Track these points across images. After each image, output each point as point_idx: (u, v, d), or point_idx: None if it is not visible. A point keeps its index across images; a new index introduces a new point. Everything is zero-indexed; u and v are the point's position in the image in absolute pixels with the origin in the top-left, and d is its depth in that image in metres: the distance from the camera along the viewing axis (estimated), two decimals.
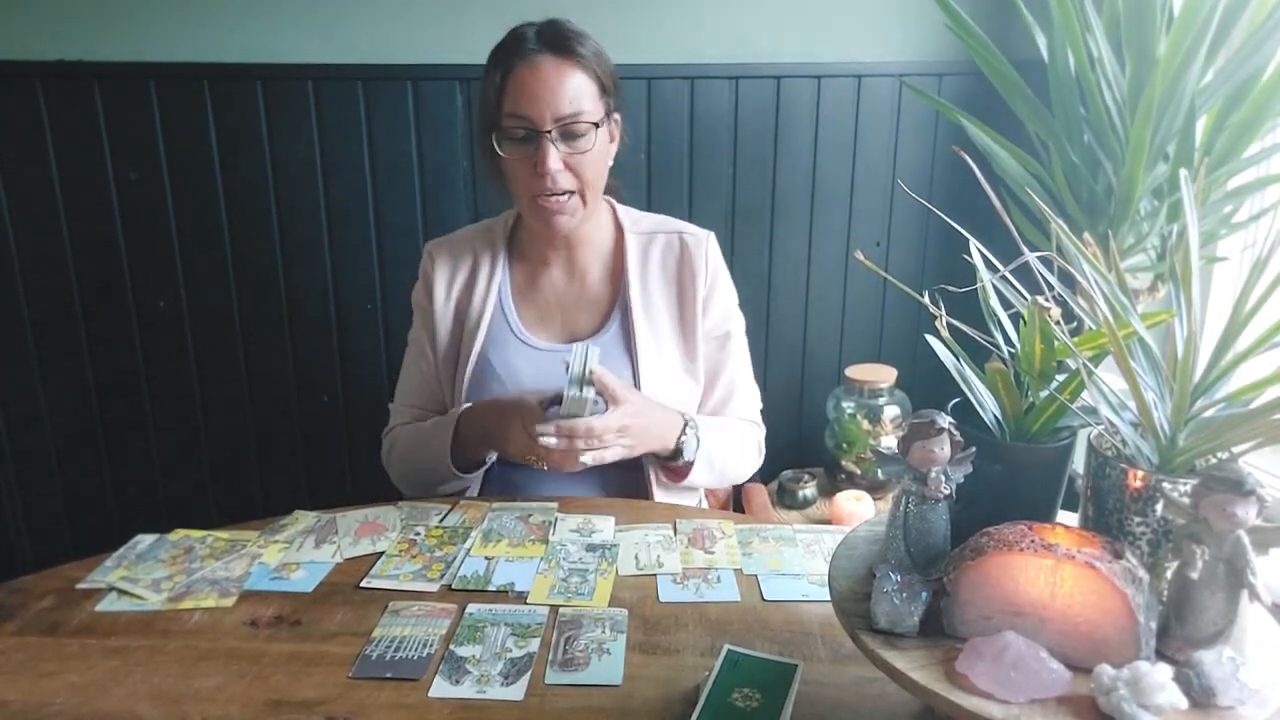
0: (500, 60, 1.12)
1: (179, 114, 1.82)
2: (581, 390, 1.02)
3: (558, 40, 1.11)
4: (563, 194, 1.12)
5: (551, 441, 1.01)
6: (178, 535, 1.01)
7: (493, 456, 1.22)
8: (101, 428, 1.99)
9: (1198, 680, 0.52)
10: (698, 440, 1.16)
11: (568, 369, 1.03)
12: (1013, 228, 0.71)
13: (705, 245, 1.27)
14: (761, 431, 1.34)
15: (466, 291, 1.26)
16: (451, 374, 1.26)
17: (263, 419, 2.01)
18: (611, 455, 1.05)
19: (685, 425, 1.15)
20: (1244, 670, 0.53)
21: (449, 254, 1.28)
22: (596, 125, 1.12)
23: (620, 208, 1.30)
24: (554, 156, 1.09)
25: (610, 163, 1.19)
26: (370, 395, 2.00)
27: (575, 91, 1.10)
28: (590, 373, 1.03)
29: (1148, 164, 1.15)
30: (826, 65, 1.86)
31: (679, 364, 1.25)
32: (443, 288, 1.26)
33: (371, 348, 1.97)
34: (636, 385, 1.20)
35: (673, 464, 1.18)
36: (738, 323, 1.31)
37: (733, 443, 1.26)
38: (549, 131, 1.09)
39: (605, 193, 1.26)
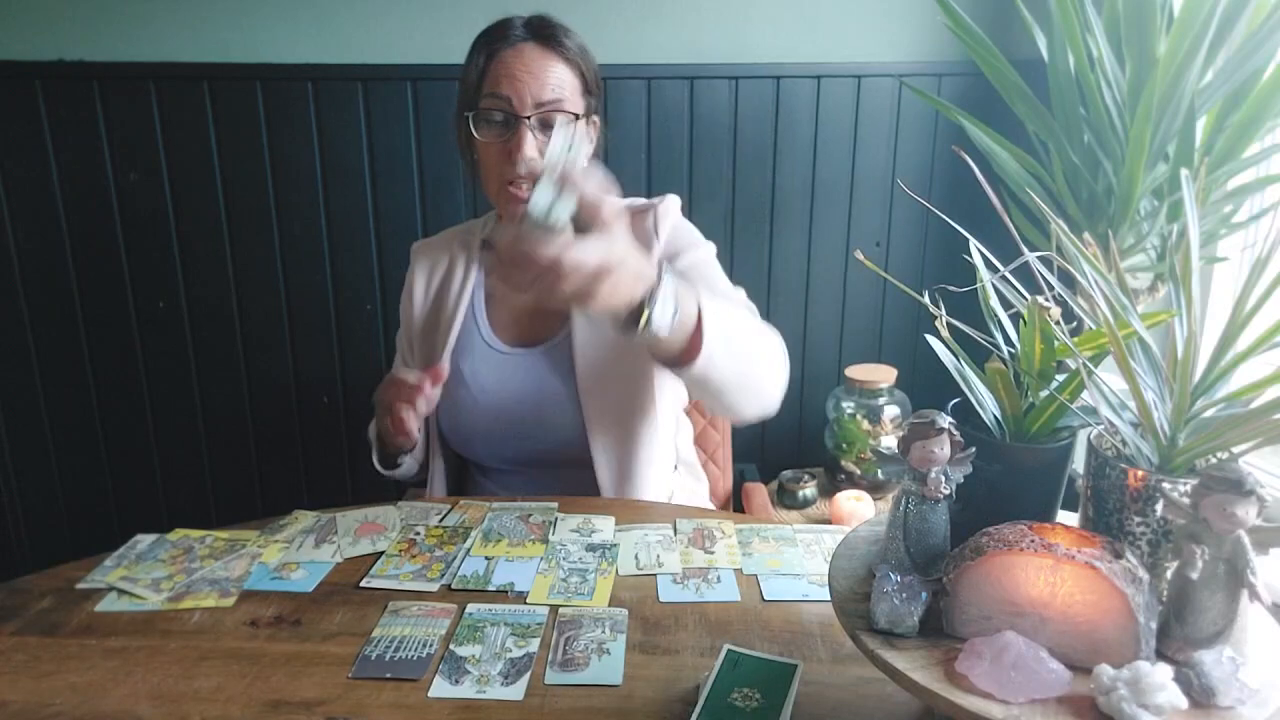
0: (484, 44, 1.12)
1: (179, 114, 1.82)
2: (550, 198, 0.69)
3: (544, 31, 1.12)
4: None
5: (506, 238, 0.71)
6: (177, 535, 1.01)
7: (405, 459, 1.23)
8: (101, 428, 2.00)
9: (1198, 680, 0.52)
10: (674, 295, 0.81)
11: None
12: (1013, 228, 0.71)
13: (656, 210, 1.17)
14: (779, 337, 1.04)
15: (441, 295, 1.26)
16: None
17: (263, 419, 2.01)
18: (561, 294, 0.72)
19: (661, 280, 0.80)
20: (1244, 670, 0.53)
21: (428, 256, 1.29)
22: (576, 117, 1.11)
23: None
24: (530, 143, 1.08)
25: (583, 164, 1.16)
26: (369, 395, 1.99)
27: (557, 80, 1.10)
28: (567, 172, 0.70)
29: (1148, 164, 1.15)
30: (826, 65, 1.87)
31: (631, 365, 1.15)
32: (420, 290, 1.27)
33: (371, 348, 1.97)
34: (575, 397, 1.14)
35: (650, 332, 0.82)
36: (705, 251, 1.18)
37: (740, 320, 0.95)
38: (527, 118, 1.08)
39: None
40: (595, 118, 1.18)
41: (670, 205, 1.20)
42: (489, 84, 1.10)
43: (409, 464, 1.26)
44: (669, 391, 1.21)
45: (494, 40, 1.11)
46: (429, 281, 1.28)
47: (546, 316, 1.23)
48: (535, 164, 1.08)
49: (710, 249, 1.20)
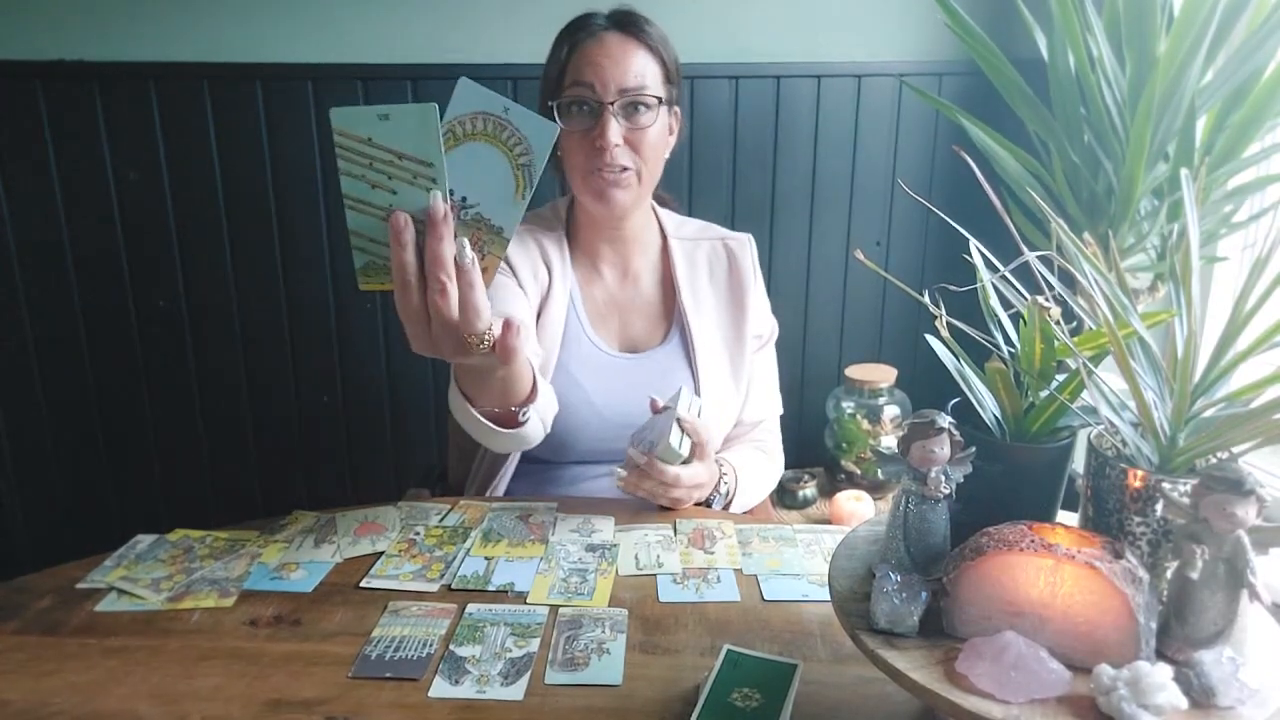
0: (567, 36, 1.14)
1: (179, 114, 1.82)
2: (681, 440, 1.00)
3: (626, 21, 1.14)
4: (620, 169, 1.12)
5: (638, 458, 1.01)
6: (177, 535, 1.01)
7: (530, 411, 0.97)
8: (101, 428, 1.99)
9: (1198, 680, 0.52)
10: (735, 485, 1.16)
11: (667, 410, 1.02)
12: (1013, 228, 0.71)
13: (749, 250, 1.28)
14: (778, 439, 1.35)
15: (547, 285, 1.20)
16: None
17: (263, 419, 2.01)
18: (662, 501, 1.05)
19: (721, 478, 1.14)
20: (1244, 670, 0.53)
21: (515, 236, 1.21)
22: (660, 101, 1.12)
23: (662, 212, 1.30)
24: (615, 129, 1.09)
25: (667, 155, 1.20)
26: (370, 395, 2.00)
27: (640, 67, 1.11)
28: (687, 422, 1.01)
29: (1148, 164, 1.15)
30: (826, 65, 1.86)
31: (729, 375, 1.25)
32: (527, 270, 1.18)
33: (371, 348, 1.97)
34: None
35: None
36: (774, 326, 1.33)
37: (763, 479, 1.27)
38: (611, 104, 1.09)
39: (656, 201, 1.29)
40: (677, 108, 1.20)
41: (754, 249, 1.31)
42: (572, 73, 1.11)
43: (534, 420, 1.00)
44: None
45: (576, 32, 1.13)
46: (534, 266, 1.19)
47: (636, 316, 1.26)
48: (620, 152, 1.10)
49: (776, 325, 1.34)
